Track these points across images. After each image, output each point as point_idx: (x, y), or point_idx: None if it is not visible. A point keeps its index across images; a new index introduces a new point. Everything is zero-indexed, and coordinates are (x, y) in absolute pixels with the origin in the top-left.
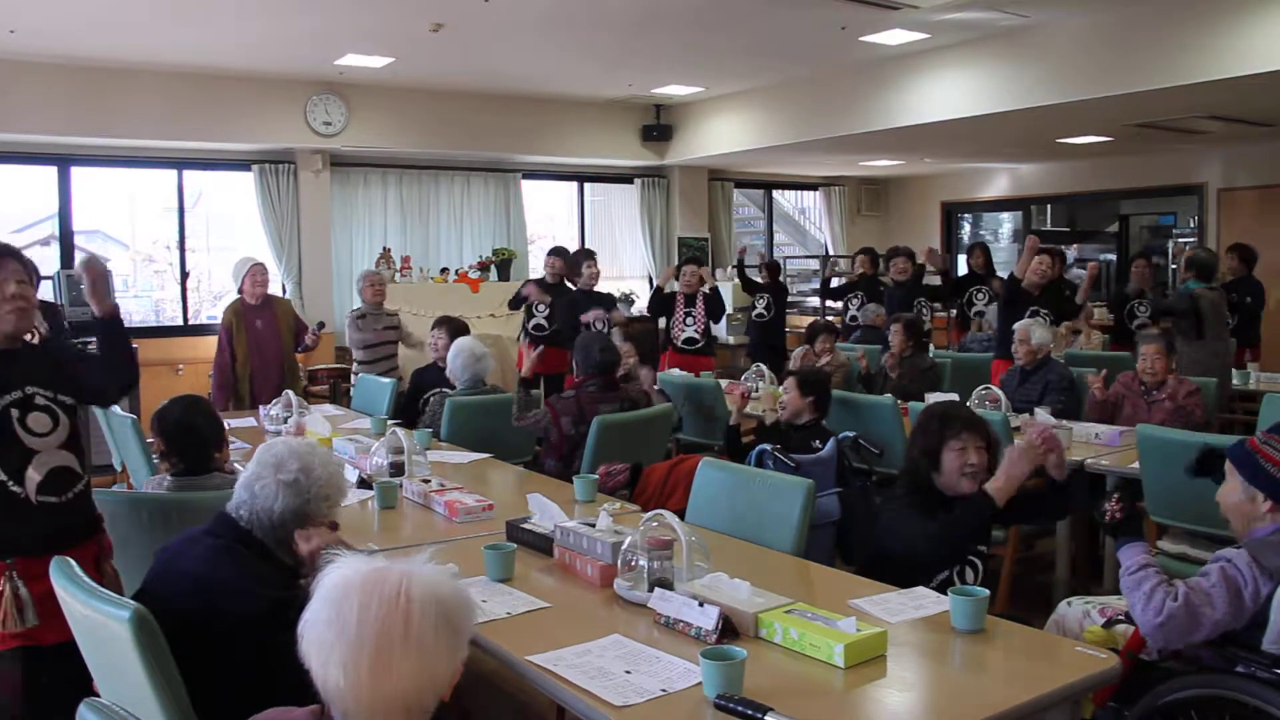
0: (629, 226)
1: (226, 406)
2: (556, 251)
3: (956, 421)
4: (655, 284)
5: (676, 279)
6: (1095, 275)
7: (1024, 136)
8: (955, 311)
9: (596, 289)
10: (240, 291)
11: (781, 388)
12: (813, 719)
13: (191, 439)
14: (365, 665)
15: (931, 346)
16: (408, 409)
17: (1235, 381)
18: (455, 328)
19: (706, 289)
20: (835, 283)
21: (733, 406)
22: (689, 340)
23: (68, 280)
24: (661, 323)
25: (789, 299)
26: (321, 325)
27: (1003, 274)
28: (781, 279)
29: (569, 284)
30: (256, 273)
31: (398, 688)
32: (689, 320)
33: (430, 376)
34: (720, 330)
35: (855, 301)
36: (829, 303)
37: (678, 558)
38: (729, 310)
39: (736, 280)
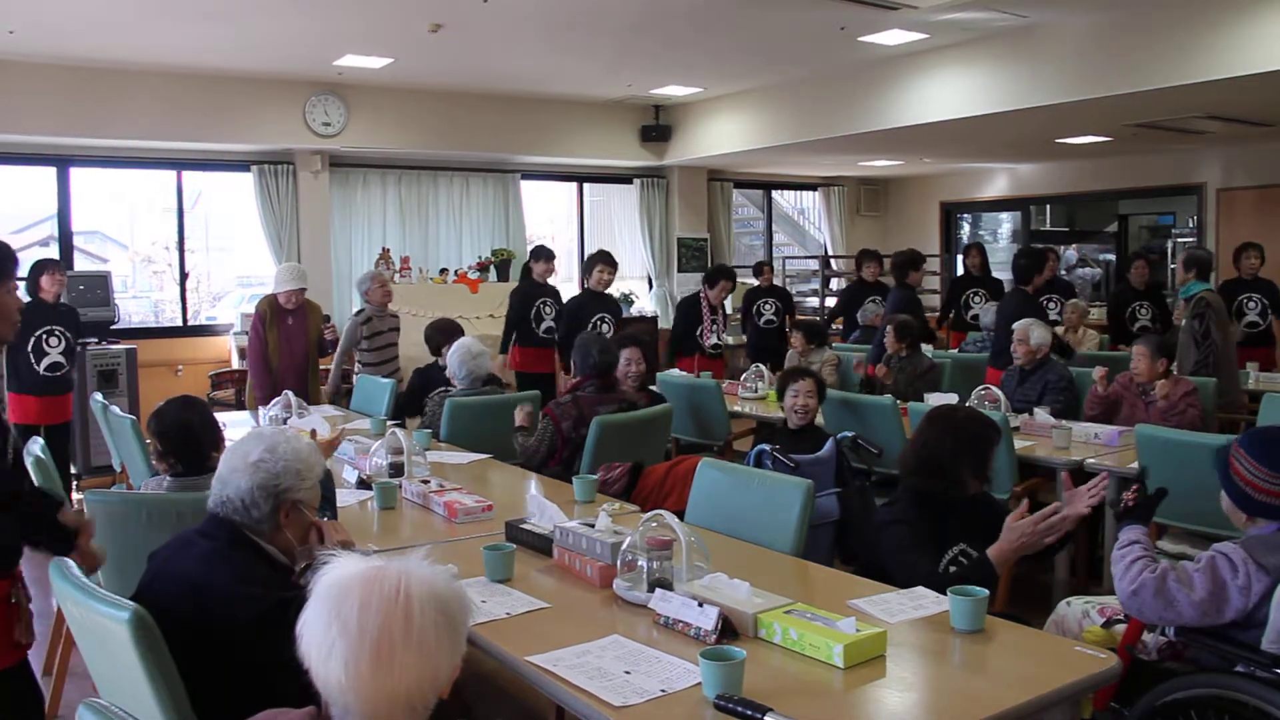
0: (628, 227)
1: (266, 396)
2: (547, 253)
3: (995, 428)
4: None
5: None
6: None
7: (1023, 136)
8: (952, 315)
9: (606, 293)
10: (278, 293)
11: (799, 391)
12: (812, 719)
13: (188, 439)
14: (367, 662)
15: (931, 348)
16: (408, 407)
17: None
18: (450, 330)
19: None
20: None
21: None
22: (715, 346)
23: (68, 281)
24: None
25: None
26: (328, 319)
27: (998, 274)
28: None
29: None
30: (294, 294)
31: (400, 684)
32: (714, 328)
33: (434, 375)
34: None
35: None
36: (829, 301)
37: (677, 558)
38: (728, 311)
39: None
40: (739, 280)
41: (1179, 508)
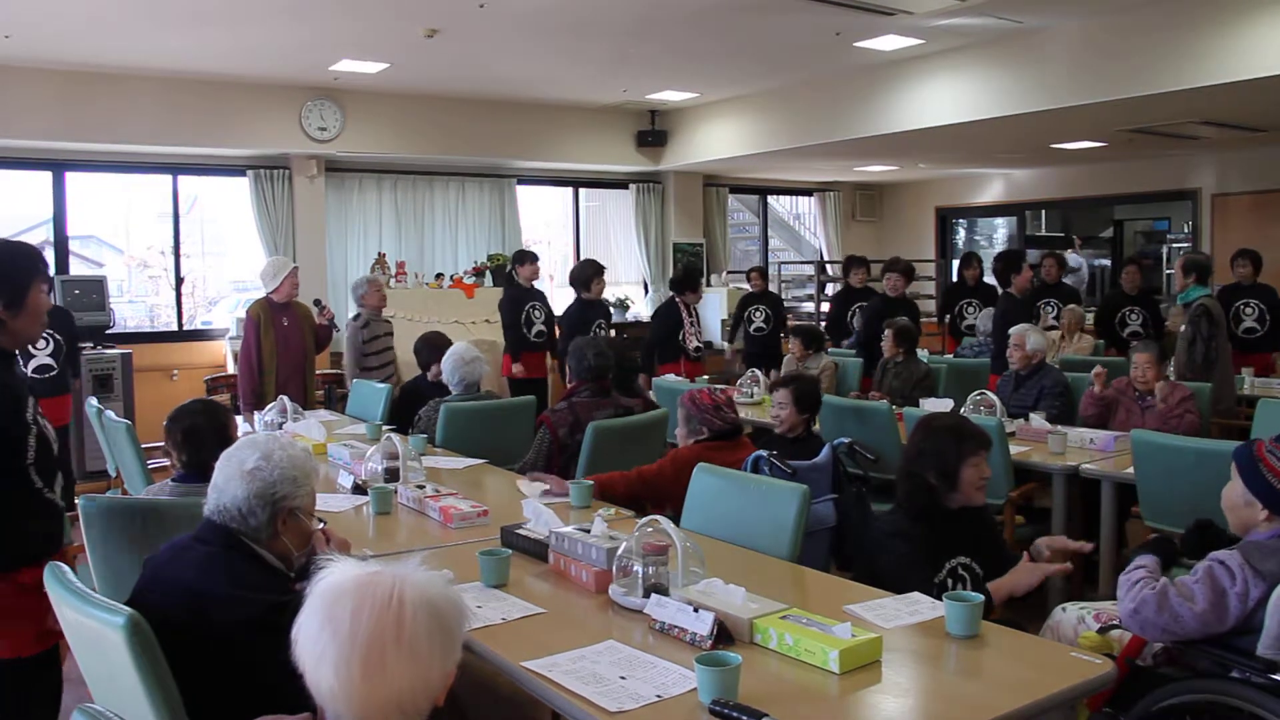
0: (624, 232)
1: (254, 404)
2: (531, 256)
3: (973, 438)
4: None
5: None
6: None
7: (1018, 142)
8: (947, 324)
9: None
10: (273, 291)
11: (775, 399)
12: None
13: (191, 443)
14: (358, 667)
15: (927, 352)
16: (399, 417)
17: None
18: (441, 343)
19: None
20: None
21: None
22: (696, 349)
23: (63, 286)
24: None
25: (785, 305)
26: (318, 301)
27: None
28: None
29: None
30: (295, 274)
31: (390, 690)
32: (694, 330)
33: (422, 388)
34: (715, 337)
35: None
36: (825, 307)
37: (673, 563)
38: (723, 316)
39: (730, 288)
40: (735, 286)
41: (1175, 513)
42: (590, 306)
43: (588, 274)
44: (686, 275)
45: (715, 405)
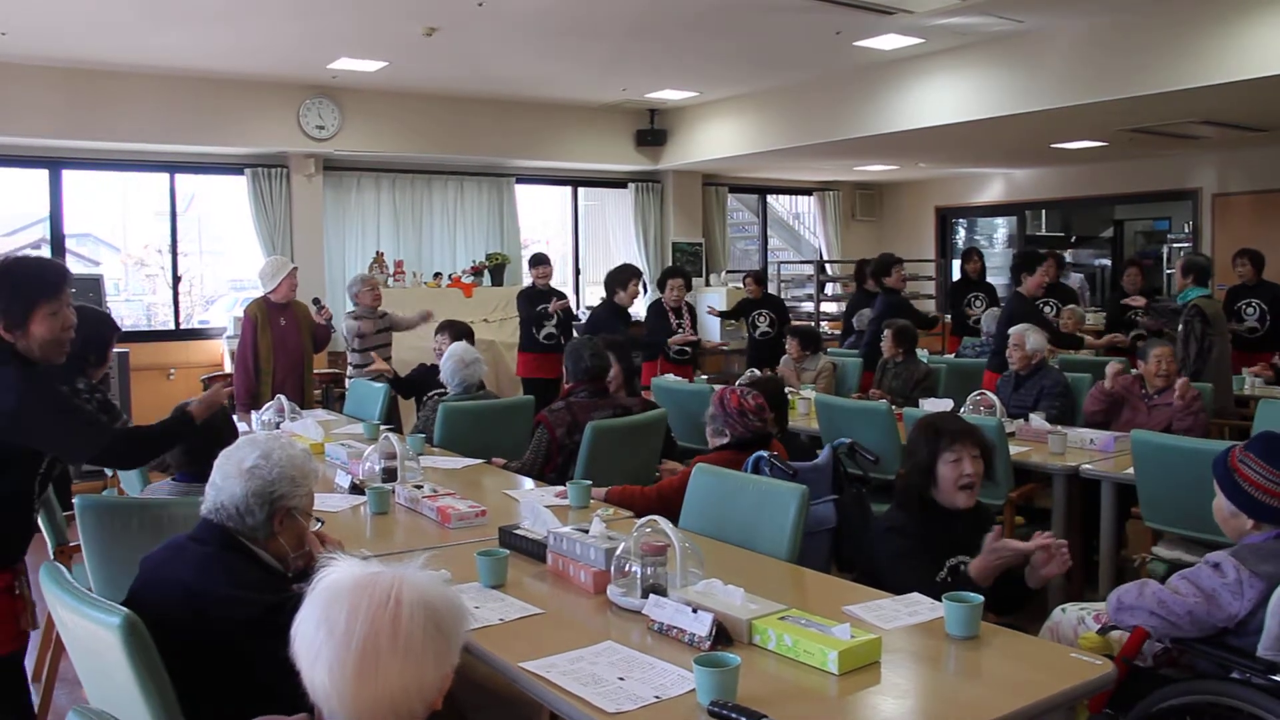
0: (623, 231)
1: (249, 404)
2: (540, 258)
3: (947, 432)
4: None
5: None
6: None
7: (1019, 141)
8: (950, 317)
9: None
10: (271, 291)
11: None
12: None
13: (209, 440)
14: (351, 667)
15: (927, 352)
16: (406, 390)
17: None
18: (458, 331)
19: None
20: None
21: None
22: (680, 351)
23: None
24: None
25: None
26: (316, 300)
27: (994, 278)
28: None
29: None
30: (294, 275)
31: (383, 690)
32: (679, 330)
33: (432, 374)
34: (714, 336)
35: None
36: (824, 307)
37: (671, 564)
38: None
39: (730, 287)
40: (734, 285)
41: (1174, 513)
42: (617, 313)
43: (625, 276)
44: (661, 275)
45: (741, 411)
